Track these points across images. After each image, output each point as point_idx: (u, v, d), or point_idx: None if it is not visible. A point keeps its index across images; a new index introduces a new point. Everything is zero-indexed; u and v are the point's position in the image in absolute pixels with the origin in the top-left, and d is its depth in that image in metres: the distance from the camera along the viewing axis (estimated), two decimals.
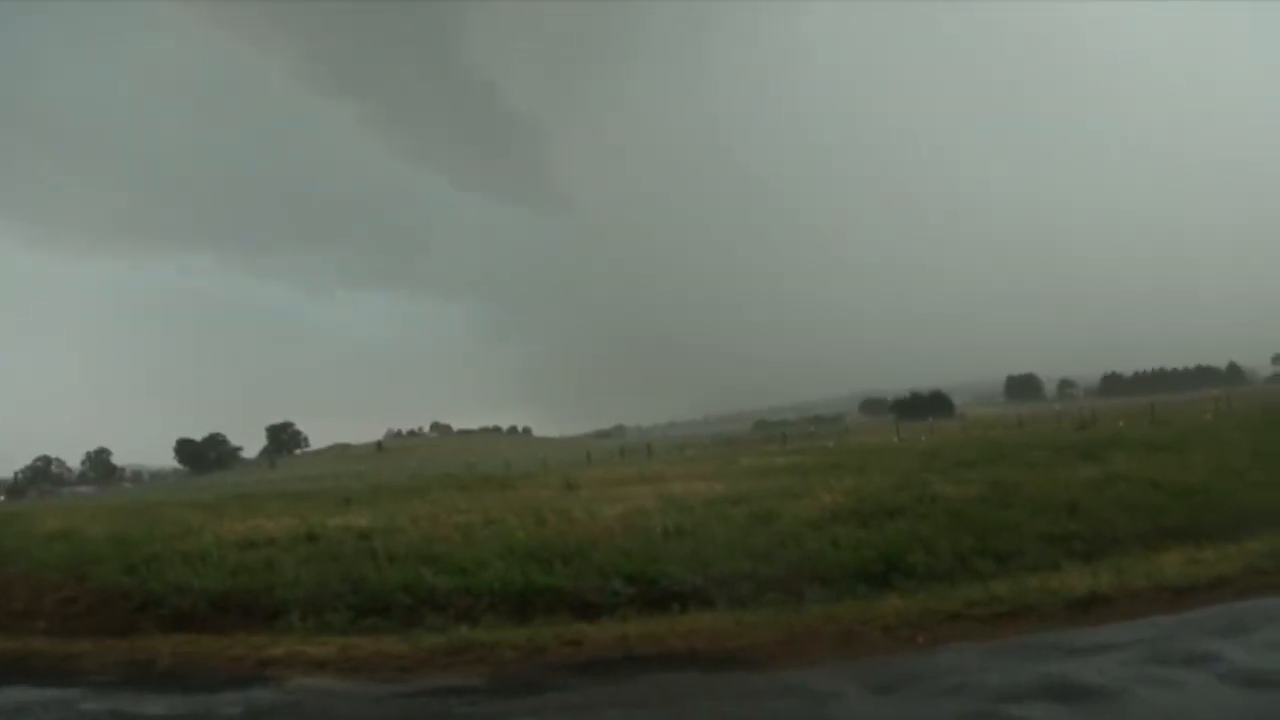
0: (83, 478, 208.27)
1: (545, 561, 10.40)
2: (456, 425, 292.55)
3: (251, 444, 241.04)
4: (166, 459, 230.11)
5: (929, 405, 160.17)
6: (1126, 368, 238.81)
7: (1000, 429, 50.16)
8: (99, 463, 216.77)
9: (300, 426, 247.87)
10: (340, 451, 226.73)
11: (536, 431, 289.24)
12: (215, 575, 11.22)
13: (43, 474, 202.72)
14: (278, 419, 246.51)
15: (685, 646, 7.68)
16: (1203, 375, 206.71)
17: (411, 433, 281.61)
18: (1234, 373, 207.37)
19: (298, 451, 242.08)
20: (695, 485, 18.39)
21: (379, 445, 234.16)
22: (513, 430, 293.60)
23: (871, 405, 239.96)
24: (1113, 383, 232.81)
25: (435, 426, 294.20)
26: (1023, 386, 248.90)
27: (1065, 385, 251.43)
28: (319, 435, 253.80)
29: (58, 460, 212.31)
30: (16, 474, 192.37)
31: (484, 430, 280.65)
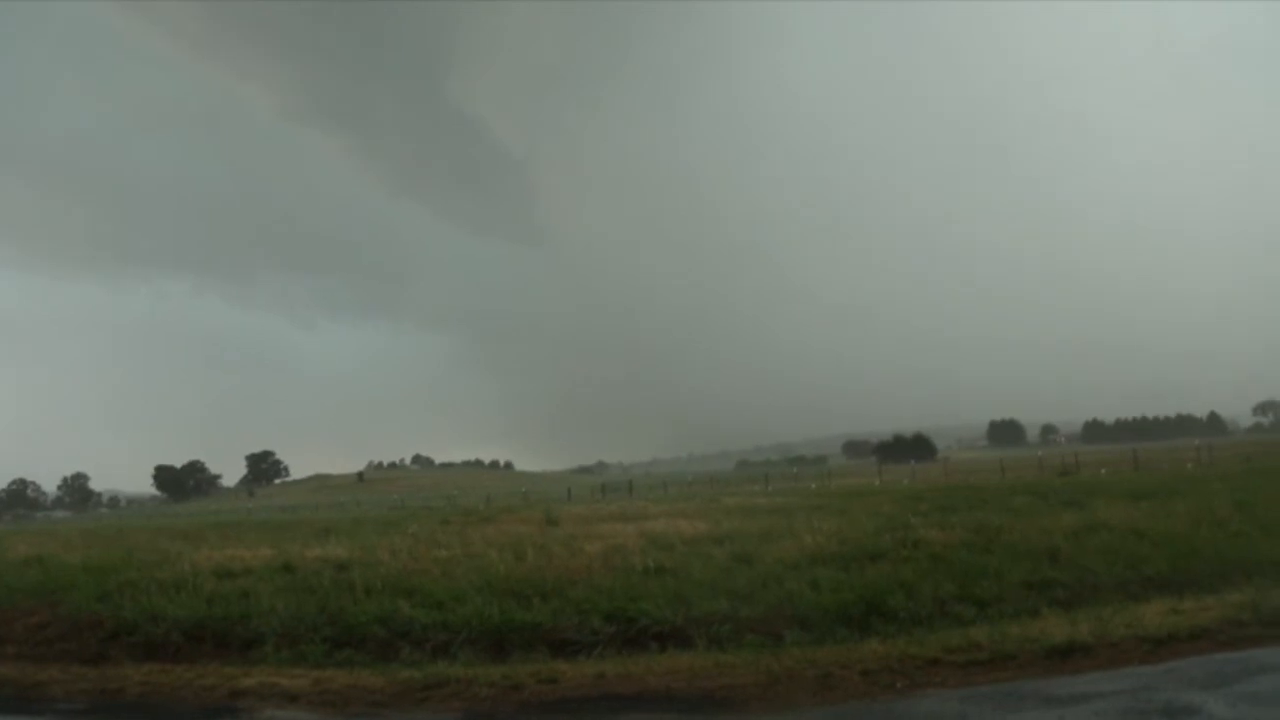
0: (59, 503, 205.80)
1: (524, 597, 10.33)
2: (438, 458, 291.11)
3: (231, 472, 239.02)
4: (145, 485, 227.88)
5: (911, 448, 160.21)
6: (1108, 415, 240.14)
7: (982, 474, 50.30)
8: (76, 488, 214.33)
9: (280, 456, 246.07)
10: (320, 482, 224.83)
11: (518, 466, 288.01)
12: (190, 604, 11.09)
13: (18, 498, 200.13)
14: (258, 448, 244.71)
15: (663, 686, 7.62)
16: (1184, 424, 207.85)
17: (393, 464, 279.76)
18: (1215, 422, 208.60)
19: (277, 481, 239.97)
20: (677, 524, 18.32)
21: (360, 476, 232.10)
22: (495, 464, 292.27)
23: (854, 447, 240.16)
24: (1095, 429, 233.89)
25: (417, 459, 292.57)
26: (1005, 431, 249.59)
27: (1047, 431, 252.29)
28: (299, 465, 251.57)
29: (33, 484, 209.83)
30: None
31: (466, 464, 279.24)
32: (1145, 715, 6.22)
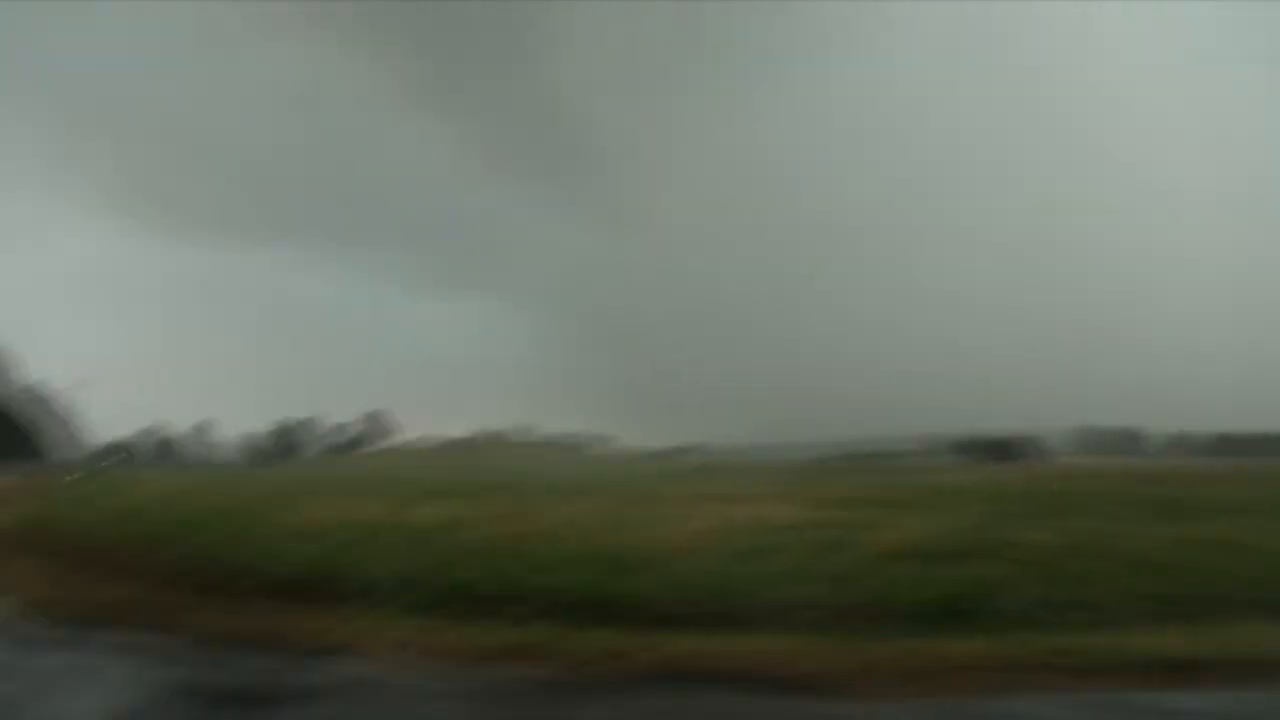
0: (188, 450, 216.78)
1: (623, 569, 10.50)
2: (543, 429, 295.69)
3: (343, 431, 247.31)
4: (262, 439, 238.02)
5: (1016, 449, 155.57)
6: (1241, 427, 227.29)
7: (1092, 479, 48.46)
8: (205, 436, 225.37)
9: (390, 418, 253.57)
10: (428, 445, 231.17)
11: (621, 441, 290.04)
12: (308, 551, 11.67)
13: (151, 444, 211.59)
14: (369, 410, 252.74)
15: (754, 666, 7.67)
16: None
17: (496, 433, 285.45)
18: None
19: (387, 442, 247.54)
20: (774, 508, 18.30)
21: (465, 443, 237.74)
22: (597, 438, 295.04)
23: (959, 445, 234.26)
24: (1225, 442, 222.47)
25: (519, 429, 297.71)
26: (1121, 438, 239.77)
27: (1171, 440, 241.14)
28: (408, 428, 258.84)
29: (164, 432, 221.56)
30: (127, 441, 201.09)
31: (569, 435, 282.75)
32: None
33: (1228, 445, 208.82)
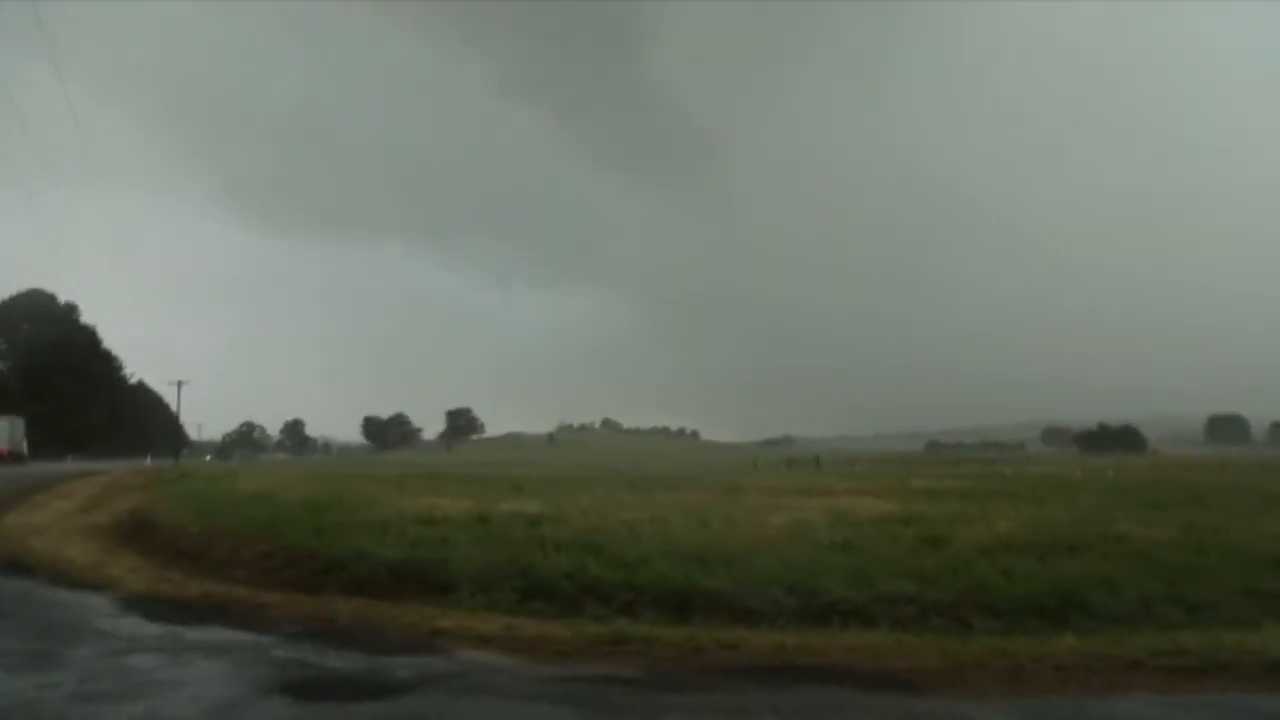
0: (280, 445, 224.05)
1: (707, 563, 10.43)
2: (626, 423, 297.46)
3: (431, 426, 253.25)
4: (353, 434, 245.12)
5: (1118, 440, 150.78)
6: None
7: (1198, 470, 46.65)
8: (294, 432, 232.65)
9: (477, 413, 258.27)
10: (513, 439, 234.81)
11: (704, 435, 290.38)
12: (394, 546, 11.87)
13: (246, 438, 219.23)
14: (456, 404, 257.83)
15: (844, 662, 7.55)
16: None
17: (582, 426, 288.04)
18: None
19: (474, 436, 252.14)
20: (863, 501, 18.05)
21: (550, 437, 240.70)
22: (681, 432, 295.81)
23: (1054, 435, 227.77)
24: None
25: (605, 423, 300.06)
26: (1226, 427, 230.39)
27: (1276, 429, 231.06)
28: (494, 423, 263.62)
29: (260, 427, 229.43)
30: (224, 437, 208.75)
31: (653, 430, 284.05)
32: None
33: None
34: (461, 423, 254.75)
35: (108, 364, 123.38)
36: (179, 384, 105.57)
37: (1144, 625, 8.71)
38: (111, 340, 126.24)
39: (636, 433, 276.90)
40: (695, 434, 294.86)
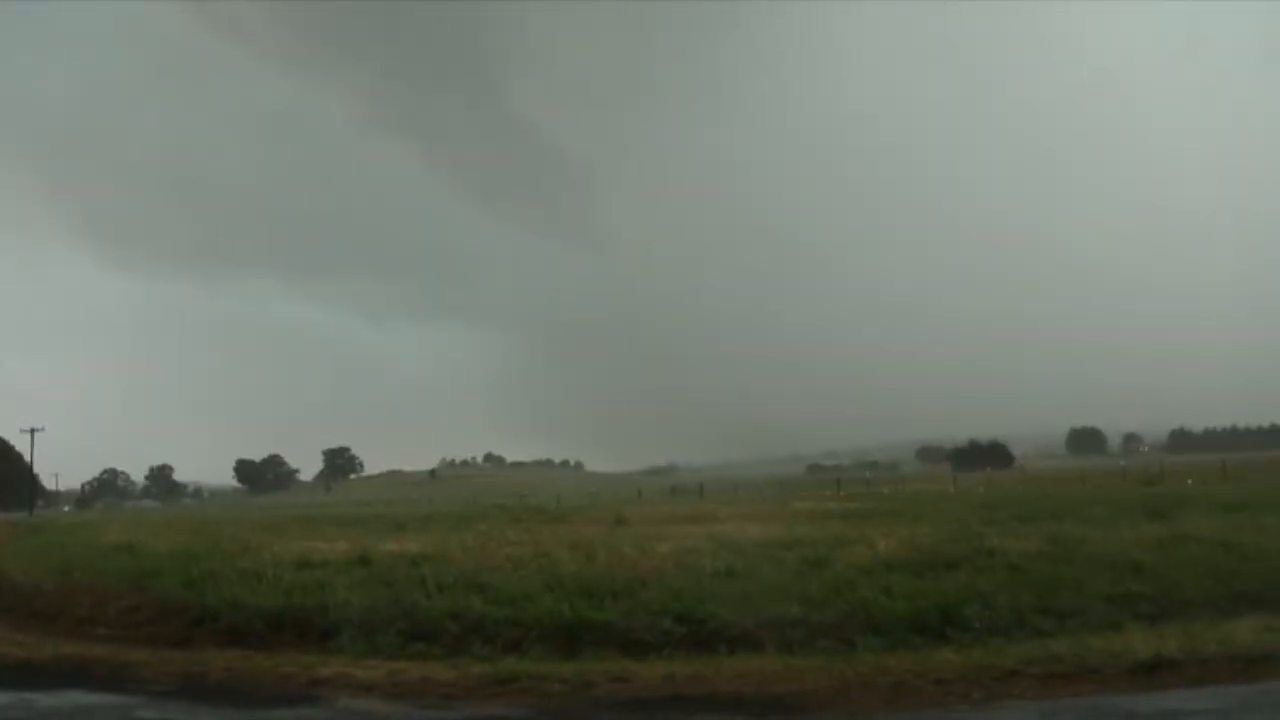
0: (146, 492, 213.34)
1: (594, 596, 10.36)
2: (510, 457, 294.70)
3: (308, 467, 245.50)
4: (225, 477, 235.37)
5: (987, 456, 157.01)
6: (1196, 424, 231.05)
7: (1061, 482, 49.00)
8: (161, 478, 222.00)
9: (356, 452, 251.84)
10: (394, 478, 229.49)
11: (589, 466, 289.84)
12: (270, 593, 11.40)
13: (109, 487, 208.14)
14: (334, 444, 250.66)
15: (733, 689, 7.55)
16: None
17: (465, 462, 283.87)
18: None
19: (353, 476, 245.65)
20: (747, 527, 18.27)
21: (432, 473, 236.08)
22: (565, 464, 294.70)
23: (928, 453, 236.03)
24: (1181, 439, 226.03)
25: (489, 457, 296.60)
26: (1086, 440, 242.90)
27: (1130, 440, 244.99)
28: (374, 461, 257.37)
29: (123, 474, 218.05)
30: (84, 485, 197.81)
31: (537, 463, 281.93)
32: None
33: (1184, 442, 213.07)
34: (340, 462, 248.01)
35: None
36: (32, 431, 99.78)
37: (1018, 635, 9.03)
38: None
39: (520, 466, 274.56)
40: (580, 465, 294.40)
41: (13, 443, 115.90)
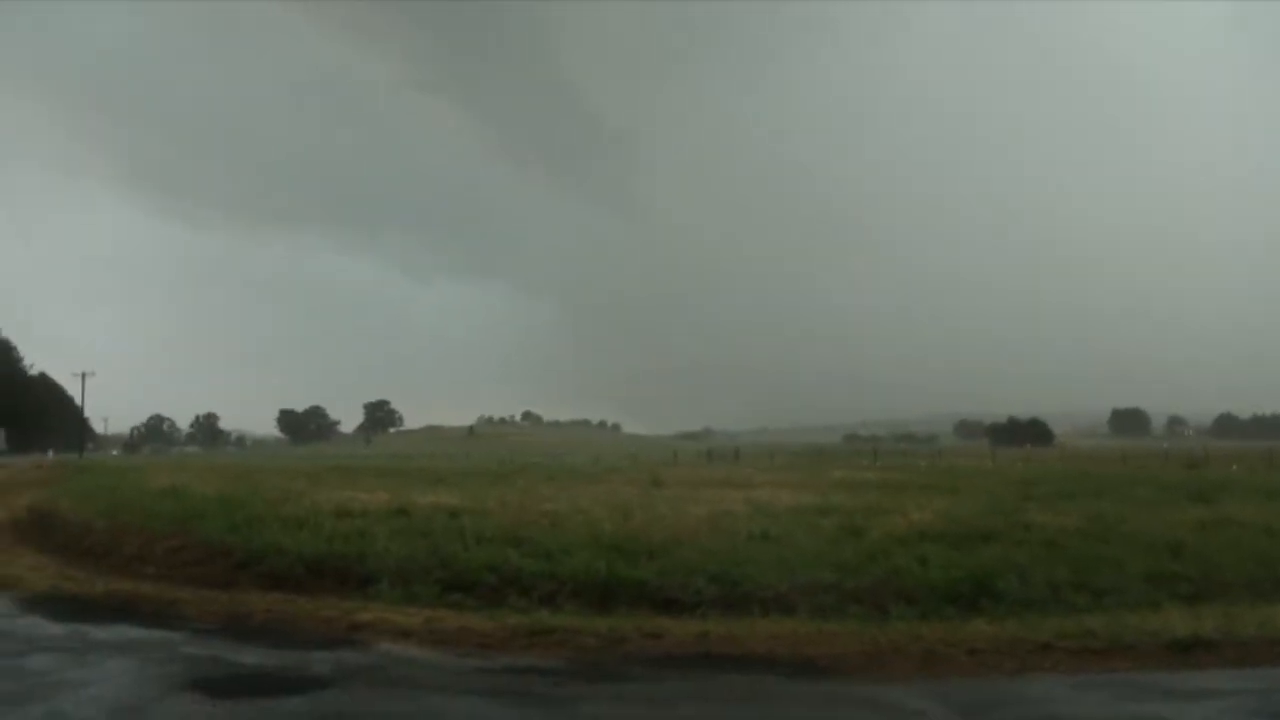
0: (191, 438, 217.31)
1: (629, 555, 10.45)
2: (546, 416, 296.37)
3: (349, 419, 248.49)
4: (268, 427, 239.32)
5: (1026, 433, 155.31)
6: (1244, 410, 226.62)
7: (1102, 462, 48.34)
8: (206, 426, 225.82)
9: (396, 406, 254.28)
10: (433, 433, 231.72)
11: (625, 428, 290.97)
12: (311, 540, 11.62)
13: (155, 432, 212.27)
14: (375, 397, 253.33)
15: (765, 650, 7.63)
16: None
17: (503, 420, 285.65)
18: None
19: (392, 430, 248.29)
20: (783, 493, 18.29)
21: (470, 430, 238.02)
22: (602, 425, 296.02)
23: (966, 428, 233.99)
24: (1227, 424, 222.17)
25: (526, 415, 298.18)
26: (1128, 421, 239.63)
27: (1174, 423, 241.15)
28: (413, 415, 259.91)
29: (169, 421, 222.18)
30: (132, 430, 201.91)
31: (574, 423, 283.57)
32: (1276, 718, 5.95)
33: (1230, 428, 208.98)
34: (380, 415, 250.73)
35: (5, 354, 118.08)
36: (83, 375, 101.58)
37: (1053, 610, 8.98)
38: (9, 328, 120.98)
39: (557, 425, 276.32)
40: (616, 427, 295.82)
41: (64, 386, 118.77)
